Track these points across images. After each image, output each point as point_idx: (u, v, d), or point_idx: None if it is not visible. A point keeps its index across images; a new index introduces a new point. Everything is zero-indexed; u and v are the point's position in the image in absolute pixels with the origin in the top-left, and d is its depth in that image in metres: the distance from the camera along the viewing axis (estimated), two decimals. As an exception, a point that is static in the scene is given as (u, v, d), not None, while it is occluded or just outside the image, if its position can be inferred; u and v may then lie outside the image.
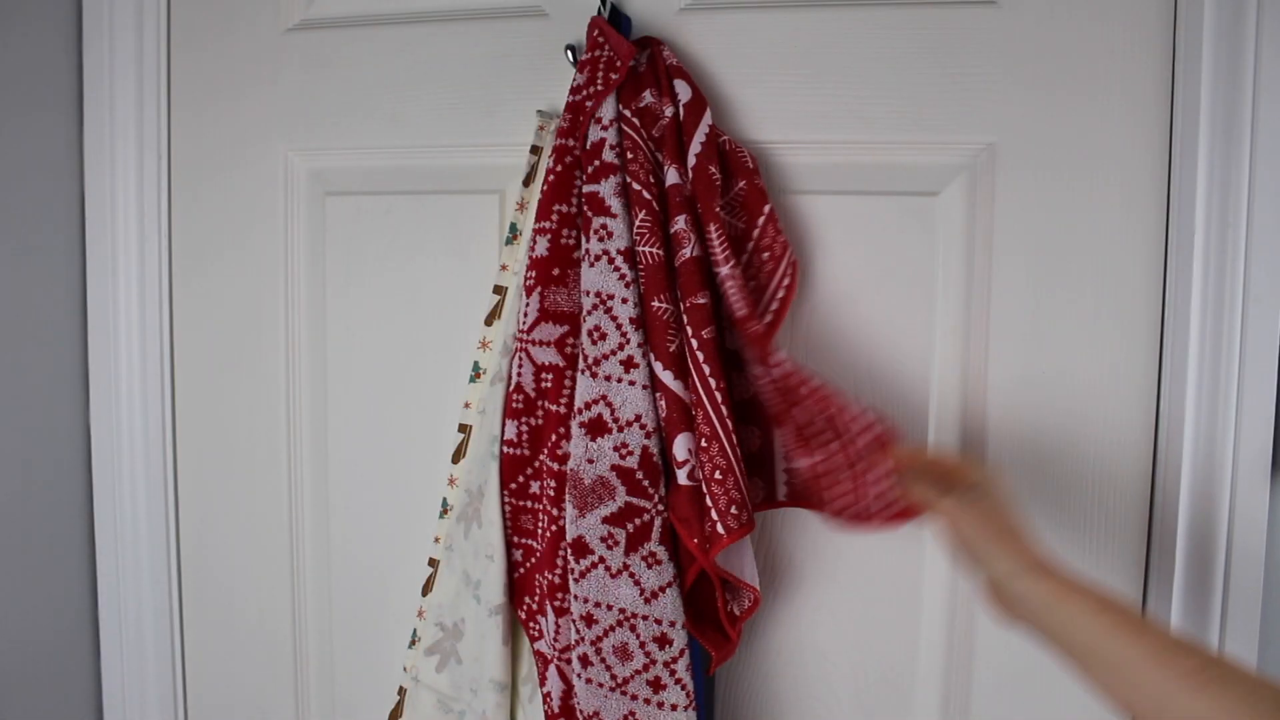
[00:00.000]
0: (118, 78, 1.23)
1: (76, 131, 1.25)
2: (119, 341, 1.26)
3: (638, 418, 0.96)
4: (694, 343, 0.95)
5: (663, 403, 0.96)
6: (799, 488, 1.02)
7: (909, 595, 1.09)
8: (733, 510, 0.92)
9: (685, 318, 0.96)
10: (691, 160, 0.98)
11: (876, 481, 0.90)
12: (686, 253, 0.96)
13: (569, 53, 1.07)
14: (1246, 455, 0.97)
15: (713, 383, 0.94)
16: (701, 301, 0.95)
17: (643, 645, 0.97)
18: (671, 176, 0.98)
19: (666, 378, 0.96)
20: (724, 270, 0.96)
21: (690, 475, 0.95)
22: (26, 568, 1.23)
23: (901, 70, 1.03)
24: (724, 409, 0.94)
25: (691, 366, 0.95)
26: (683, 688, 0.97)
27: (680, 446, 0.95)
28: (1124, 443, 1.03)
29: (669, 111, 0.99)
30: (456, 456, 1.10)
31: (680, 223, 0.96)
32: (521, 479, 1.04)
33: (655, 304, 0.96)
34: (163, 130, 1.24)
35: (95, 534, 1.30)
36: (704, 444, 0.94)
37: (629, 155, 0.98)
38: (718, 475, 0.93)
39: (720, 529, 0.92)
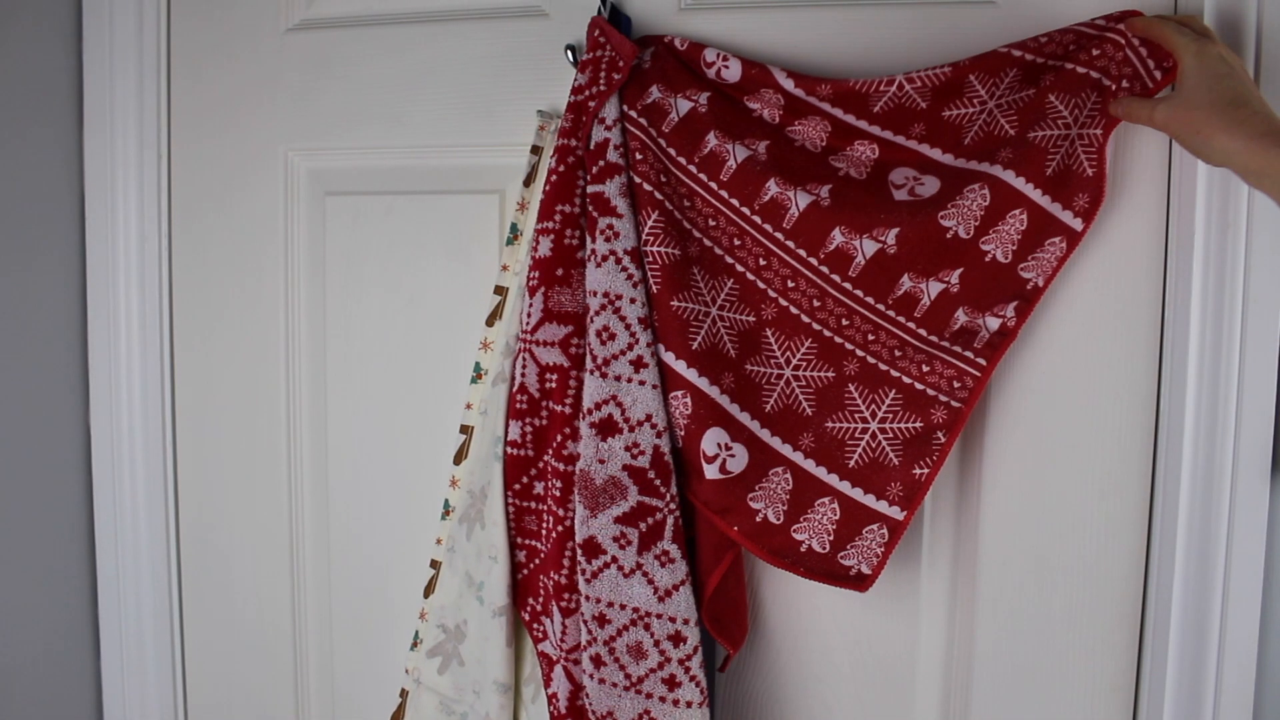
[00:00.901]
0: (118, 76, 1.22)
1: (77, 130, 1.24)
2: (119, 341, 1.26)
3: (649, 417, 0.96)
4: (847, 285, 0.98)
5: (687, 400, 0.96)
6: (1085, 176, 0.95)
7: (909, 595, 1.10)
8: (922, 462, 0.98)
9: (826, 268, 0.98)
10: (790, 83, 0.98)
11: (1136, 51, 0.90)
12: (794, 211, 0.97)
13: (569, 53, 1.07)
14: (1246, 455, 0.97)
15: (881, 306, 0.97)
16: (842, 241, 0.97)
17: (657, 643, 0.97)
18: (740, 151, 0.98)
19: (691, 375, 0.96)
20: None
21: (722, 469, 0.96)
22: (26, 568, 1.22)
23: (902, 70, 1.03)
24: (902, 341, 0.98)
25: (847, 310, 0.98)
26: (696, 684, 0.97)
27: (709, 441, 0.96)
28: (1124, 442, 1.03)
29: (702, 100, 0.99)
30: (458, 458, 1.10)
31: (774, 186, 0.97)
32: (525, 480, 1.04)
33: (675, 303, 0.96)
34: (162, 129, 1.24)
35: (95, 534, 1.30)
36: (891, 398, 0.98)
37: (637, 155, 0.98)
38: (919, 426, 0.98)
39: (918, 470, 0.97)
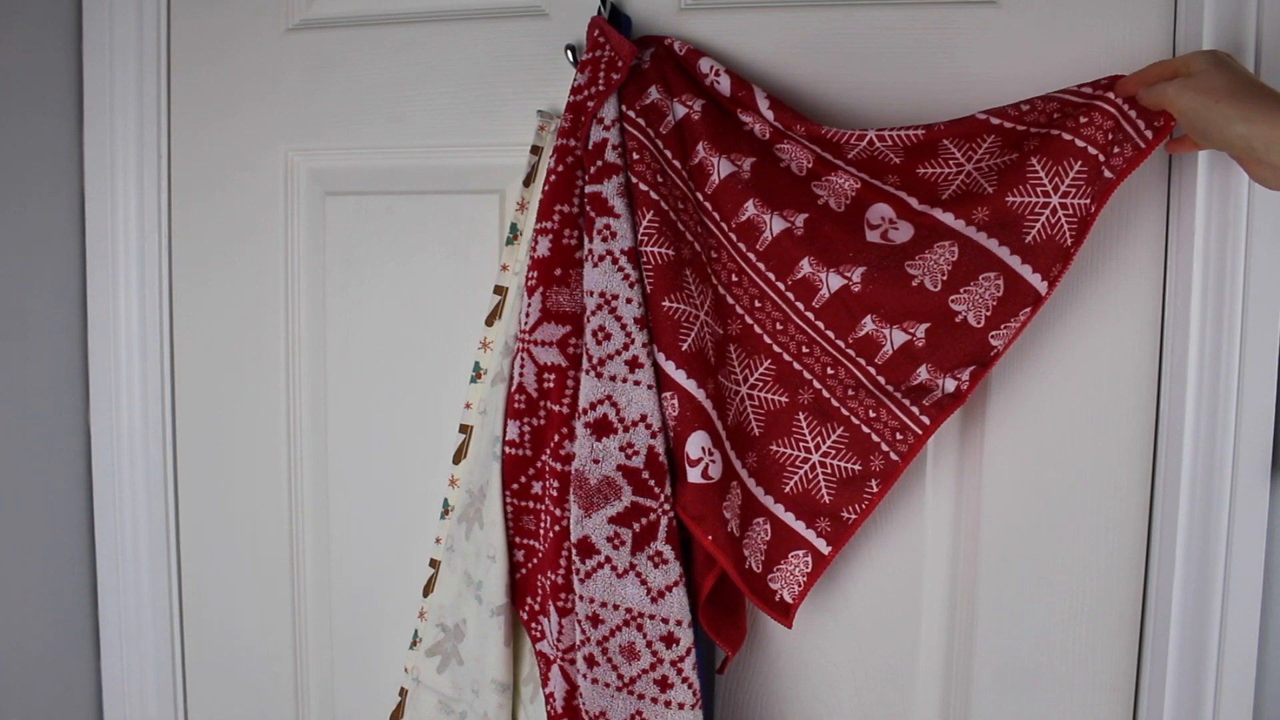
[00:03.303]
0: (118, 76, 1.22)
1: (77, 130, 1.25)
2: (119, 341, 1.26)
3: (643, 417, 0.96)
4: (809, 315, 0.97)
5: (675, 401, 0.96)
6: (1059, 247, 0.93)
7: (909, 595, 1.09)
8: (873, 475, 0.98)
9: (791, 294, 0.98)
10: (770, 114, 0.97)
11: (1126, 115, 0.89)
12: (768, 235, 0.97)
13: (569, 53, 1.07)
14: (1246, 455, 0.97)
15: (841, 343, 0.97)
16: (809, 272, 0.97)
17: (650, 644, 0.97)
18: (725, 167, 0.98)
19: (679, 376, 0.96)
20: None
21: (704, 473, 0.95)
22: (26, 567, 1.23)
23: (902, 71, 1.04)
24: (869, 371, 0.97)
25: (808, 339, 0.98)
26: (689, 686, 0.97)
27: (693, 445, 0.95)
28: (1124, 442, 1.03)
29: (696, 106, 0.99)
30: (458, 457, 1.10)
31: (751, 207, 0.97)
32: (523, 479, 1.04)
33: (666, 304, 0.96)
34: (163, 129, 1.24)
35: (95, 534, 1.30)
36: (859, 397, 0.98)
37: (634, 155, 0.98)
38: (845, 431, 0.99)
39: (869, 490, 0.98)
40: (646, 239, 0.96)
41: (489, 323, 1.08)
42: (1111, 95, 0.89)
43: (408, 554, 1.20)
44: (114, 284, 1.26)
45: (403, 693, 1.13)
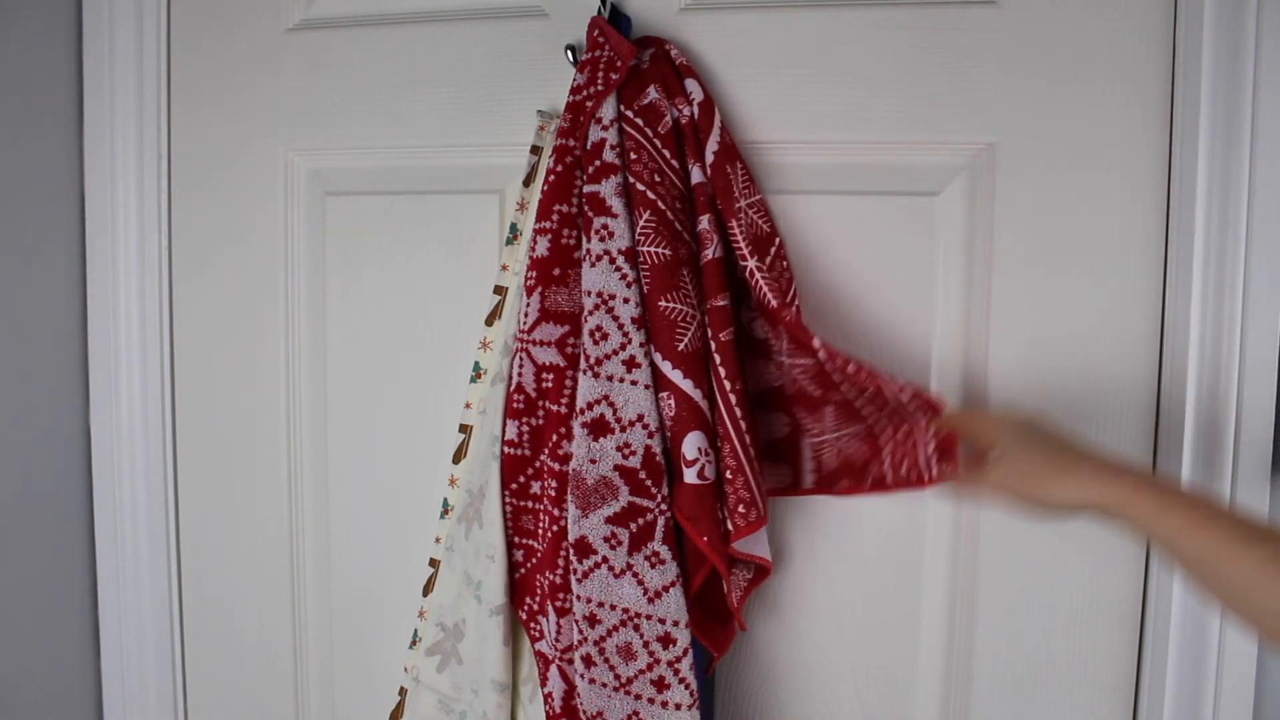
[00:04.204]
0: (118, 77, 1.23)
1: (77, 131, 1.25)
2: (119, 341, 1.26)
3: (640, 418, 0.96)
4: (713, 344, 0.97)
5: (671, 401, 0.96)
6: (829, 471, 1.03)
7: (909, 595, 1.09)
8: (740, 509, 0.95)
9: (706, 319, 0.98)
10: (710, 159, 1.00)
11: (925, 443, 0.93)
12: (709, 254, 0.98)
13: (569, 53, 1.07)
14: (1246, 455, 0.97)
15: (728, 384, 0.96)
16: (722, 303, 0.97)
17: (646, 645, 0.97)
18: (696, 175, 0.99)
19: (675, 376, 0.96)
20: (751, 264, 0.98)
21: (700, 474, 0.96)
22: (27, 568, 1.23)
23: (901, 70, 1.04)
24: (738, 410, 0.96)
25: (710, 367, 0.97)
26: (686, 686, 0.97)
27: (689, 445, 0.95)
28: (1125, 444, 1.03)
29: (686, 111, 1.00)
30: (457, 457, 1.10)
31: (704, 222, 0.98)
32: (522, 479, 1.04)
33: (663, 304, 0.96)
34: (163, 130, 1.24)
35: (95, 534, 1.30)
36: (719, 444, 0.97)
37: (632, 155, 0.98)
38: (728, 475, 0.96)
39: (729, 525, 0.96)
40: (644, 239, 0.96)
41: (489, 323, 1.09)
42: (923, 423, 0.93)
43: (408, 554, 1.20)
44: (114, 283, 1.26)
45: (402, 692, 1.14)
